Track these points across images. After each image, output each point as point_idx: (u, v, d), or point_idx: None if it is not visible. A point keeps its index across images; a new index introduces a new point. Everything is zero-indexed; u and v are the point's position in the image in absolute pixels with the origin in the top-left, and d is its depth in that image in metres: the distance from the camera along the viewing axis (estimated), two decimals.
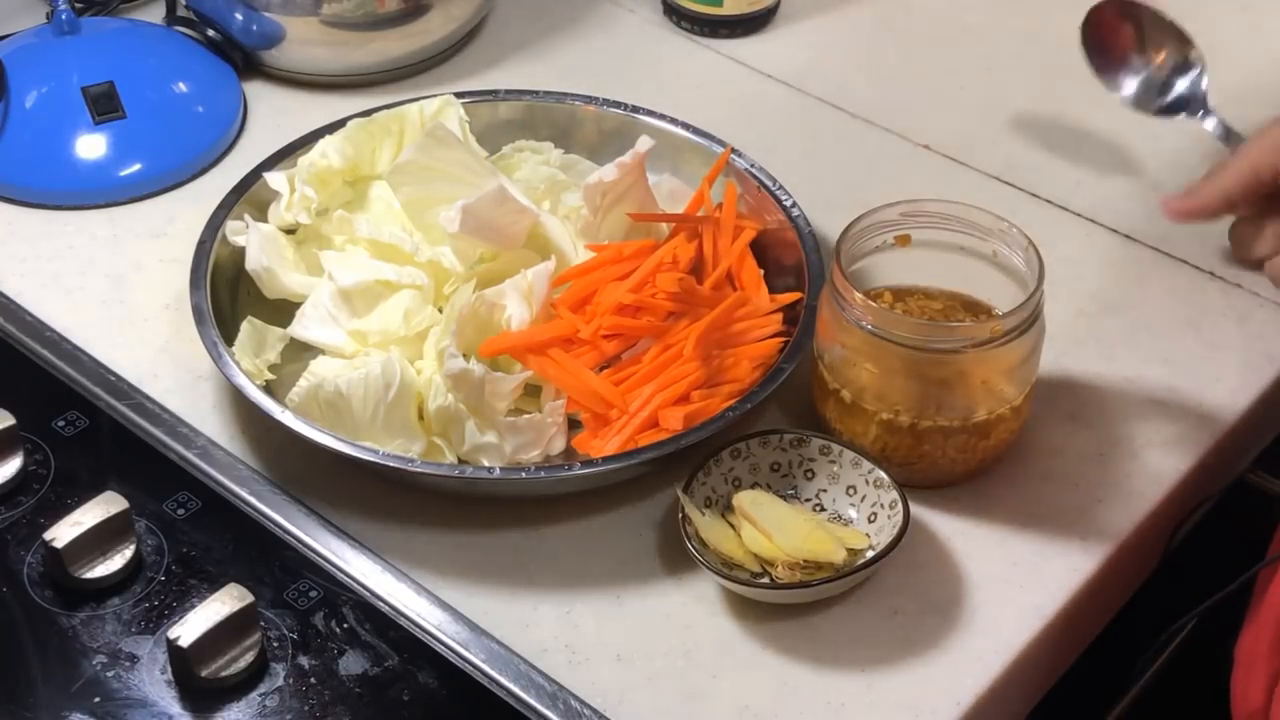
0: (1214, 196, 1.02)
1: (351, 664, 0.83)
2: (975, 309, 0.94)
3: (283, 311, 0.99)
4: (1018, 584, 0.89)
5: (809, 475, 0.92)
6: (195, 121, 1.16)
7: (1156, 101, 1.12)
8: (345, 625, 0.85)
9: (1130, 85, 1.13)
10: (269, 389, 0.94)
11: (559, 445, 0.94)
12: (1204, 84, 1.12)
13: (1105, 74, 1.13)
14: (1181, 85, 1.12)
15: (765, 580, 0.88)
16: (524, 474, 0.89)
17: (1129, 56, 1.13)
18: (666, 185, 1.06)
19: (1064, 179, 1.15)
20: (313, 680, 0.82)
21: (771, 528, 0.88)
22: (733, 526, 0.89)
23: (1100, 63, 1.14)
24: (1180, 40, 1.13)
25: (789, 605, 0.87)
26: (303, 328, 0.98)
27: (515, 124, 1.11)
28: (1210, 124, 1.11)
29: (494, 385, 0.91)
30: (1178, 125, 1.15)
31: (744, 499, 0.89)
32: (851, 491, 0.91)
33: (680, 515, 0.87)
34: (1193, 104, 1.12)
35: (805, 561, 0.87)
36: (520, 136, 1.10)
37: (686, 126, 1.09)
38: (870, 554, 0.88)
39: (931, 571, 0.89)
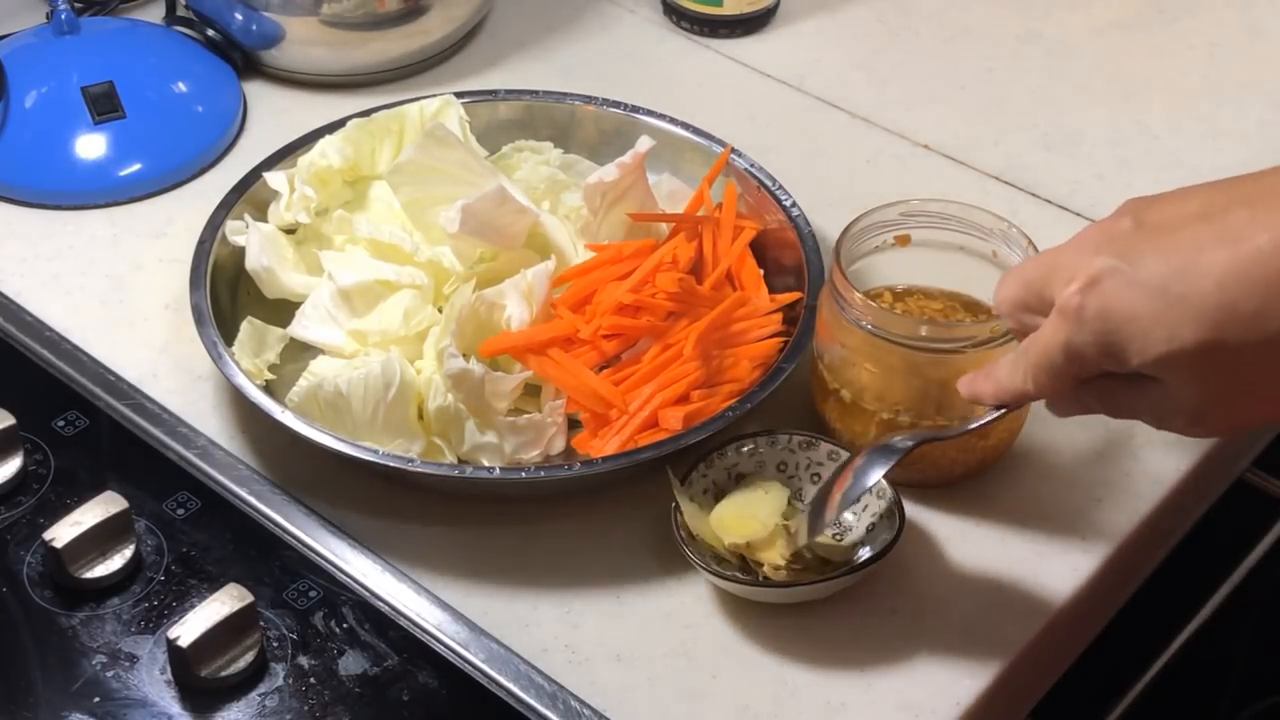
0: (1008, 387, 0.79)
1: (351, 664, 0.83)
2: (975, 309, 0.94)
3: (283, 311, 0.99)
4: (1018, 584, 0.89)
5: (815, 479, 0.91)
6: (195, 121, 1.16)
7: None
8: (345, 625, 0.85)
9: None
10: (269, 389, 0.94)
11: (559, 445, 0.94)
12: None
13: None
14: None
15: (750, 577, 0.87)
16: (524, 474, 0.89)
17: None
18: (666, 185, 1.06)
19: (1064, 179, 1.15)
20: (312, 680, 0.82)
21: (735, 507, 0.88)
22: None
23: None
24: None
25: (789, 605, 0.87)
26: (302, 328, 0.98)
27: (515, 124, 1.10)
28: None
29: (494, 385, 0.91)
30: (1178, 124, 1.15)
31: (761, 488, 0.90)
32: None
33: (673, 504, 0.87)
34: None
35: (793, 558, 0.87)
36: (520, 136, 1.10)
37: (686, 126, 1.09)
38: (865, 554, 0.87)
39: (931, 571, 0.89)
